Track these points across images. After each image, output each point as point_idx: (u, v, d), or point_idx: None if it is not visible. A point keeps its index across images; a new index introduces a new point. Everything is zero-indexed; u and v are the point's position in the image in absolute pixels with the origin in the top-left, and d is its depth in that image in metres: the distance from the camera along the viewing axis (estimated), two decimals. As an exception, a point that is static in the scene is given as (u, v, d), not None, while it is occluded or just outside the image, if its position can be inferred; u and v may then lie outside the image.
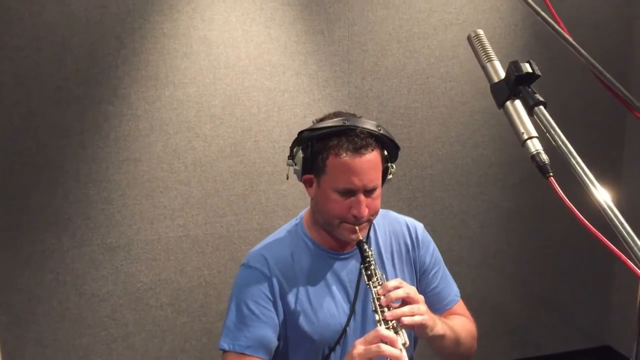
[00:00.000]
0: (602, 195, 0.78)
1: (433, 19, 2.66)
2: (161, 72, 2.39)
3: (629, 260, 0.68)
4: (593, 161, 2.67)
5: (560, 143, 0.83)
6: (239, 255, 2.61)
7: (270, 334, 1.51)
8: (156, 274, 2.53)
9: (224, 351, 1.55)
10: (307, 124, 2.54)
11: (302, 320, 1.52)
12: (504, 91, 0.91)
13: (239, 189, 2.56)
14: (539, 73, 0.89)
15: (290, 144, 2.59)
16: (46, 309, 2.41)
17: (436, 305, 1.64)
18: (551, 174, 0.84)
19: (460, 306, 1.72)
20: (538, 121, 0.87)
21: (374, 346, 1.28)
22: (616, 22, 2.94)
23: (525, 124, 0.87)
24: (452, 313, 1.68)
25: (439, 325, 1.46)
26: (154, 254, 2.51)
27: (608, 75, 1.46)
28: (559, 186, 0.83)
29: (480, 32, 1.01)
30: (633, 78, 2.98)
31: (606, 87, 1.49)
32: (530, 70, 0.88)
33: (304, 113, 2.58)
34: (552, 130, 0.84)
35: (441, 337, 1.48)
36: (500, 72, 0.95)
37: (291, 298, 1.53)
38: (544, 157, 0.85)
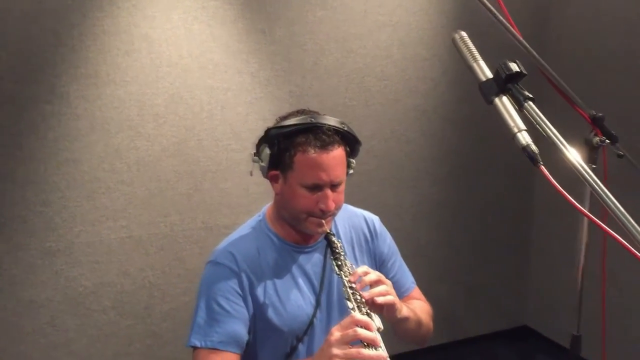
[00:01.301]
0: (592, 178, 0.89)
1: (368, 20, 2.77)
2: (102, 70, 2.34)
3: (626, 243, 0.77)
4: (506, 145, 2.87)
5: (551, 134, 0.93)
6: (183, 255, 2.60)
7: (241, 329, 1.54)
8: (98, 277, 2.47)
9: (195, 348, 1.56)
10: (250, 122, 2.59)
11: (271, 313, 1.57)
12: (492, 88, 1.00)
13: (183, 188, 2.55)
14: (525, 72, 0.99)
15: (232, 143, 2.63)
16: (-20, 319, 2.30)
17: (395, 292, 1.74)
18: (541, 162, 0.93)
19: (417, 292, 1.83)
20: (529, 115, 0.96)
21: (350, 331, 1.34)
22: (529, 26, 3.18)
23: (515, 118, 0.97)
24: (411, 298, 1.79)
25: (404, 309, 1.56)
26: (95, 257, 2.45)
27: (552, 72, 1.62)
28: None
29: (464, 34, 1.10)
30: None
31: (549, 82, 1.65)
32: (518, 69, 0.98)
33: (247, 111, 2.61)
34: (542, 123, 0.94)
35: (406, 320, 1.57)
36: (486, 71, 1.04)
37: (260, 292, 1.57)
38: (534, 148, 0.94)
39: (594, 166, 1.56)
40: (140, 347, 2.59)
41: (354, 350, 1.34)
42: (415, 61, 2.92)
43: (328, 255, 1.64)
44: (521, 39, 1.50)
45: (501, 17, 1.49)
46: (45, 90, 2.27)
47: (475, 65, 1.06)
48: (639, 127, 2.58)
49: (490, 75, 1.03)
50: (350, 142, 1.57)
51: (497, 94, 1.00)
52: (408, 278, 1.83)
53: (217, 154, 2.58)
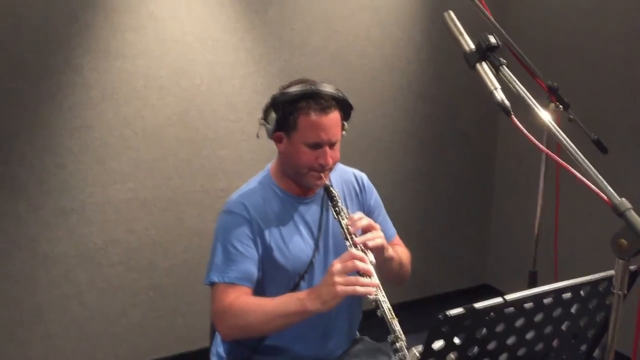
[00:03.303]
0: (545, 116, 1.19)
1: (350, 2, 3.04)
2: (112, 45, 2.55)
3: (596, 188, 1.04)
4: (473, 120, 3.29)
5: (520, 90, 1.22)
6: (183, 215, 2.85)
7: (253, 268, 1.79)
8: (107, 235, 2.70)
9: (213, 284, 1.81)
10: (244, 94, 2.84)
11: (277, 254, 1.82)
12: (474, 57, 1.29)
13: (184, 155, 2.79)
14: (500, 43, 1.27)
15: (228, 113, 2.86)
16: (0, 271, 2.51)
17: None
18: (512, 113, 1.23)
19: (397, 239, 2.11)
20: (503, 77, 1.25)
21: (349, 263, 1.59)
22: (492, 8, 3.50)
23: (492, 79, 1.25)
24: (393, 245, 2.09)
25: (389, 250, 1.85)
26: (105, 216, 2.68)
27: (516, 47, 1.92)
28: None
29: (452, 13, 1.38)
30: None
31: (513, 55, 1.95)
32: (495, 41, 1.26)
33: (241, 84, 2.85)
34: (513, 82, 1.23)
35: (391, 259, 1.84)
36: (470, 43, 1.32)
37: (267, 236, 1.82)
38: (507, 103, 1.24)
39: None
40: (144, 298, 2.84)
41: (352, 278, 1.58)
42: (392, 41, 3.21)
43: (324, 205, 1.92)
44: (492, 18, 1.79)
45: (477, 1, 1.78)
46: (61, 62, 2.47)
47: (461, 38, 1.33)
48: (586, 96, 2.93)
49: (473, 47, 1.31)
50: (344, 107, 1.82)
51: (479, 61, 1.29)
52: (390, 228, 2.10)
53: (215, 123, 2.83)
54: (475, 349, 1.19)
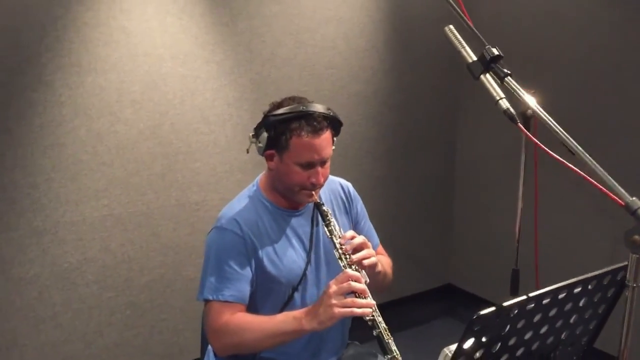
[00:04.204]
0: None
1: (317, 15, 3.09)
2: (83, 60, 2.50)
3: (606, 190, 1.12)
4: (434, 126, 3.41)
5: (526, 100, 1.30)
6: (159, 230, 2.81)
7: (247, 286, 1.81)
8: (82, 254, 2.64)
9: (207, 302, 1.81)
10: (217, 107, 2.85)
11: (271, 268, 1.84)
12: (479, 68, 1.36)
13: (158, 169, 2.76)
14: (502, 54, 1.34)
15: (201, 126, 2.87)
16: (-27, 297, 2.42)
17: None
18: (519, 121, 1.30)
19: (381, 249, 2.16)
20: (508, 87, 1.32)
21: (345, 284, 1.64)
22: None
23: (497, 89, 1.33)
24: (377, 254, 2.14)
25: (379, 265, 1.90)
26: (79, 235, 2.62)
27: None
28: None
29: (452, 27, 1.44)
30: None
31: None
32: (497, 53, 1.34)
33: (214, 97, 2.85)
34: (519, 92, 1.31)
35: (378, 273, 1.91)
36: (472, 54, 1.39)
37: (261, 251, 1.84)
38: (512, 111, 1.31)
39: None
40: (121, 317, 2.79)
41: (349, 300, 1.63)
42: (357, 52, 3.28)
43: (314, 218, 1.96)
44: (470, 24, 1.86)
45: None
46: (32, 79, 2.41)
47: (463, 50, 1.40)
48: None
49: (474, 57, 1.38)
50: (335, 124, 1.87)
51: (483, 72, 1.36)
52: (375, 237, 2.16)
53: (187, 137, 2.82)
54: (498, 346, 1.25)
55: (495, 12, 3.41)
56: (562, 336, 1.39)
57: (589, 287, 1.32)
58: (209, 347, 2.06)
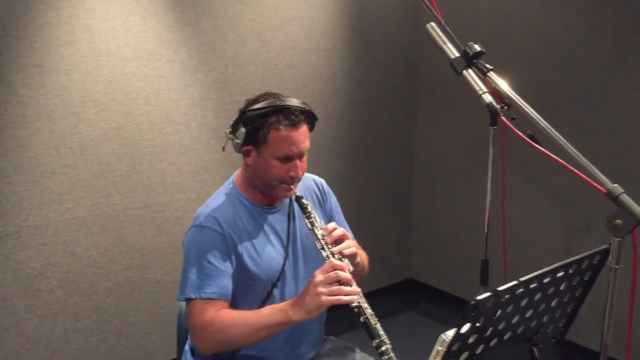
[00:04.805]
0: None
1: (279, 14, 3.11)
2: (45, 59, 2.44)
3: (586, 176, 1.18)
4: (393, 123, 3.52)
5: (512, 96, 1.36)
6: (124, 233, 2.77)
7: (229, 282, 1.82)
8: (46, 259, 2.57)
9: (189, 300, 1.81)
10: (181, 107, 2.83)
11: (250, 264, 1.86)
12: (461, 63, 1.42)
13: (123, 170, 2.71)
14: (484, 50, 1.41)
15: (166, 126, 2.86)
16: None
17: None
18: (501, 114, 1.36)
19: (355, 243, 2.22)
20: (490, 81, 1.38)
21: (332, 273, 1.66)
22: (407, 20, 3.72)
23: (479, 84, 1.39)
24: (353, 247, 2.18)
25: (358, 256, 1.95)
26: (43, 239, 2.54)
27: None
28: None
29: (434, 24, 1.49)
30: (420, 64, 3.81)
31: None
32: (479, 49, 1.40)
33: (178, 97, 2.83)
34: (499, 86, 1.37)
35: (357, 264, 1.96)
36: (453, 50, 1.45)
37: (240, 248, 1.85)
38: (495, 104, 1.37)
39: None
40: (87, 322, 2.72)
41: (335, 288, 1.66)
42: (318, 51, 3.32)
43: (290, 214, 1.99)
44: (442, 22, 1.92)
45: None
46: (-9, 79, 2.33)
47: (445, 47, 1.46)
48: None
49: (456, 54, 1.44)
50: (310, 119, 1.91)
51: (465, 68, 1.41)
52: (349, 231, 2.21)
53: (153, 137, 2.78)
54: (489, 330, 1.31)
55: (453, 12, 3.51)
56: (544, 319, 1.46)
57: (570, 271, 1.39)
58: (186, 347, 2.05)
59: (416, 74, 3.82)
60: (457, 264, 3.83)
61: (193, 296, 1.79)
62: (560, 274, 1.36)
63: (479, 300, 1.17)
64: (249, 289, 1.90)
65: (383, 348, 1.65)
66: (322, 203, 2.14)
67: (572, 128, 3.10)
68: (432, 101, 3.80)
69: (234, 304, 1.87)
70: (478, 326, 1.24)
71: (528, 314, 1.38)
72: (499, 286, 1.23)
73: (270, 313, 1.72)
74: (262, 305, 1.89)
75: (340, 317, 2.00)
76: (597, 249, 1.37)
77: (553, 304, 1.44)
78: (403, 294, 4.08)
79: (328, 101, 3.41)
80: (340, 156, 3.55)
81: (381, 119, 3.71)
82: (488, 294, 1.19)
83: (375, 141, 3.71)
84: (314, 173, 3.42)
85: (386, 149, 3.79)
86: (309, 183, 2.14)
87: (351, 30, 3.43)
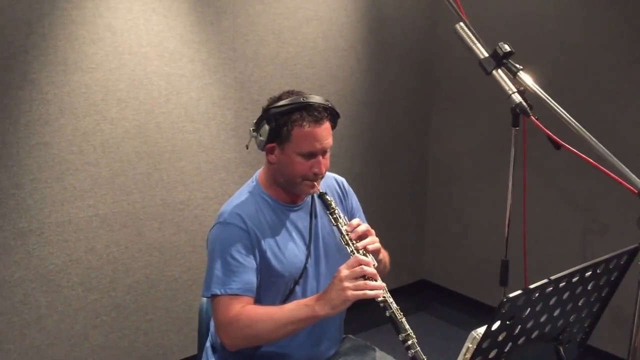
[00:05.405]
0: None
1: (298, 14, 3.13)
2: (70, 58, 2.46)
3: (621, 179, 1.19)
4: (408, 124, 3.53)
5: (540, 93, 1.37)
6: (144, 230, 2.79)
7: (254, 278, 1.83)
8: (67, 255, 2.59)
9: (215, 297, 1.82)
10: (202, 106, 2.86)
11: (274, 262, 1.87)
12: (491, 63, 1.42)
13: (143, 168, 2.74)
14: (514, 50, 1.41)
15: (186, 125, 2.88)
16: (-44, 301, 2.35)
17: None
18: (531, 114, 1.37)
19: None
20: (520, 81, 1.39)
21: (357, 268, 1.67)
22: (423, 21, 3.73)
23: (509, 83, 1.40)
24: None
25: (382, 253, 1.96)
26: (65, 236, 2.57)
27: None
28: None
29: (463, 24, 1.50)
30: (437, 64, 3.82)
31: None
32: (509, 49, 1.41)
33: (199, 96, 2.85)
34: (530, 86, 1.38)
35: (380, 261, 1.97)
36: (483, 50, 1.46)
37: (264, 245, 1.86)
38: (525, 104, 1.38)
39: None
40: (106, 319, 2.75)
41: (361, 282, 1.66)
42: (335, 51, 3.33)
43: (313, 212, 2.00)
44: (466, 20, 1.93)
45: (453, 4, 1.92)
46: (17, 76, 2.35)
47: (474, 47, 1.47)
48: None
49: (485, 54, 1.44)
50: (333, 116, 1.93)
51: (495, 67, 1.42)
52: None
53: (173, 136, 2.80)
54: (518, 329, 1.32)
55: (469, 12, 3.52)
56: (571, 319, 1.47)
57: (598, 270, 1.40)
58: (207, 344, 2.07)
59: (432, 75, 3.84)
60: (470, 266, 3.84)
61: (218, 292, 1.80)
62: (588, 274, 1.37)
63: (511, 297, 1.18)
64: (272, 286, 1.91)
65: (409, 342, 1.66)
66: (343, 201, 2.16)
67: (594, 129, 3.13)
68: (447, 102, 3.81)
69: (257, 301, 1.88)
70: (508, 324, 1.25)
71: (556, 313, 1.39)
72: (518, 287, 1.23)
73: (295, 308, 1.73)
74: (284, 302, 1.90)
75: (356, 316, 2.02)
76: (625, 249, 1.38)
77: (580, 303, 1.45)
78: (415, 294, 4.08)
79: (344, 101, 3.42)
80: (356, 157, 3.56)
81: (396, 119, 3.72)
82: (519, 292, 1.20)
83: (390, 141, 3.72)
84: (329, 173, 3.48)
85: (401, 150, 3.80)
86: (330, 182, 2.15)
87: (368, 30, 3.45)
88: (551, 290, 1.30)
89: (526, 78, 1.39)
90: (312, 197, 2.00)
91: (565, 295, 1.36)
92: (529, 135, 2.14)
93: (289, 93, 1.90)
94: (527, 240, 2.26)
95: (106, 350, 2.77)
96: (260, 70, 3.04)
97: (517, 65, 1.41)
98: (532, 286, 1.22)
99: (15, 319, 2.50)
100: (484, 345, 1.24)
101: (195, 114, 2.85)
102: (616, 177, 1.23)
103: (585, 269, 1.36)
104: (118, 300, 2.77)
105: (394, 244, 3.90)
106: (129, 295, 2.80)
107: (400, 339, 1.68)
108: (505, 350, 1.33)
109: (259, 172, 2.02)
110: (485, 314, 2.95)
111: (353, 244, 1.79)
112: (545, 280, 1.25)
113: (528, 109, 1.38)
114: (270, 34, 3.04)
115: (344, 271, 1.68)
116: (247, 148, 1.95)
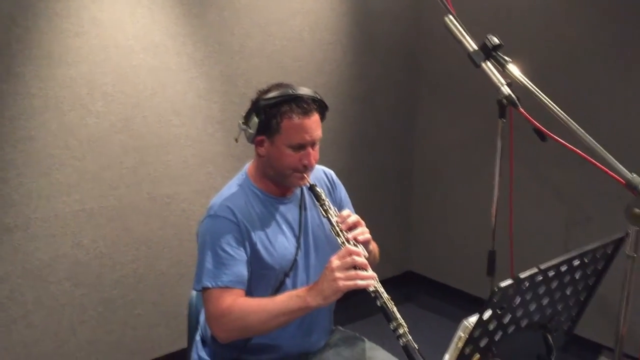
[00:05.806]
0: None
1: (284, 7, 3.12)
2: (54, 51, 2.44)
3: (608, 170, 1.22)
4: (394, 117, 3.54)
5: (528, 85, 1.38)
6: (131, 225, 2.78)
7: (245, 270, 1.83)
8: (54, 250, 2.58)
9: (206, 289, 1.82)
10: (188, 99, 2.85)
11: (264, 254, 1.88)
12: (480, 56, 1.44)
13: (130, 162, 2.72)
14: (503, 43, 1.43)
15: (173, 119, 2.86)
16: (-58, 298, 2.32)
17: None
18: (519, 106, 1.39)
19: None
20: (509, 73, 1.41)
21: (349, 258, 1.68)
22: (408, 14, 3.74)
23: (498, 76, 1.41)
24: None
25: (372, 243, 1.98)
26: (51, 231, 2.55)
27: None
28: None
29: (452, 17, 1.52)
30: (420, 56, 3.84)
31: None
32: (498, 42, 1.42)
33: (185, 89, 2.84)
34: (519, 78, 1.40)
35: (370, 252, 1.99)
36: (472, 43, 1.47)
37: (254, 238, 1.87)
38: (514, 96, 1.40)
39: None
40: (93, 314, 2.74)
41: (352, 272, 1.67)
42: (321, 44, 3.33)
43: (302, 205, 2.01)
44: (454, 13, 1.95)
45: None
46: (1, 70, 2.32)
47: (463, 39, 1.48)
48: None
49: (475, 46, 1.46)
50: (322, 108, 1.93)
51: (484, 60, 1.44)
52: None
53: (159, 129, 2.79)
54: (508, 318, 1.34)
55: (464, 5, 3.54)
56: (559, 307, 1.49)
57: (585, 259, 1.43)
58: (197, 337, 2.07)
59: (418, 69, 3.85)
60: (457, 257, 3.87)
61: (210, 285, 1.80)
62: (576, 263, 1.40)
63: (503, 287, 1.20)
64: (262, 279, 1.92)
65: (400, 331, 1.67)
66: (332, 193, 2.17)
67: (580, 120, 3.17)
68: (433, 95, 3.83)
69: (247, 294, 1.89)
70: (499, 313, 1.27)
71: (545, 302, 1.41)
72: (504, 278, 1.25)
73: (287, 299, 1.74)
74: (274, 294, 1.90)
75: (343, 308, 2.03)
76: (612, 238, 1.41)
77: (568, 292, 1.47)
78: (402, 286, 4.11)
79: (330, 94, 3.42)
80: (342, 149, 3.57)
81: (382, 112, 3.74)
82: (510, 281, 1.22)
83: (376, 134, 3.73)
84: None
85: (387, 143, 3.81)
86: (319, 174, 2.16)
87: (354, 24, 3.45)
88: (540, 279, 1.32)
89: (514, 70, 1.41)
90: (302, 190, 2.01)
91: (554, 284, 1.38)
92: (514, 128, 2.17)
93: (278, 86, 1.90)
94: (513, 231, 2.29)
95: (94, 345, 2.76)
96: (247, 64, 3.03)
97: (506, 58, 1.42)
98: (522, 275, 1.24)
99: (2, 314, 2.48)
100: (476, 334, 1.26)
101: (182, 107, 2.84)
102: (604, 168, 1.25)
103: (573, 258, 1.38)
104: (105, 295, 2.76)
105: (380, 236, 3.89)
106: (117, 290, 2.79)
107: (392, 328, 1.69)
108: (496, 339, 1.35)
109: (248, 165, 2.02)
110: (471, 305, 2.98)
111: (344, 234, 1.80)
112: (534, 269, 1.27)
113: (517, 100, 1.40)
114: (256, 27, 3.03)
115: (335, 262, 1.69)
116: (237, 141, 1.95)
